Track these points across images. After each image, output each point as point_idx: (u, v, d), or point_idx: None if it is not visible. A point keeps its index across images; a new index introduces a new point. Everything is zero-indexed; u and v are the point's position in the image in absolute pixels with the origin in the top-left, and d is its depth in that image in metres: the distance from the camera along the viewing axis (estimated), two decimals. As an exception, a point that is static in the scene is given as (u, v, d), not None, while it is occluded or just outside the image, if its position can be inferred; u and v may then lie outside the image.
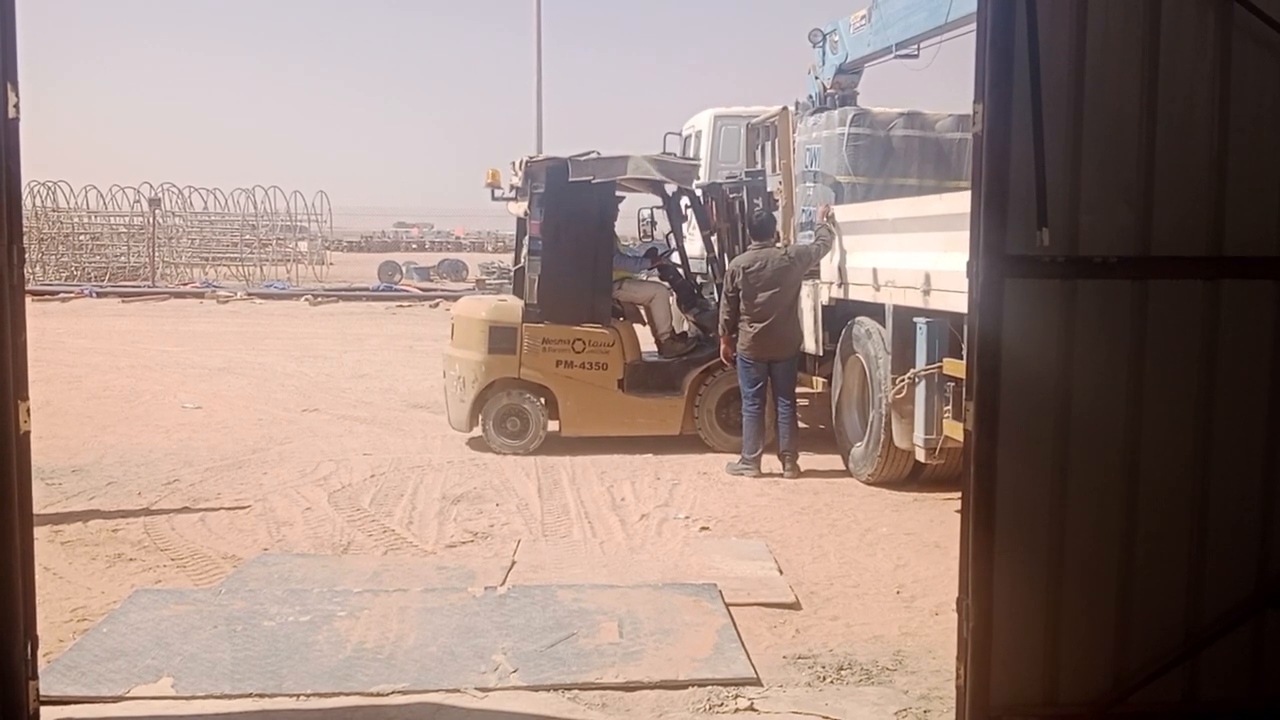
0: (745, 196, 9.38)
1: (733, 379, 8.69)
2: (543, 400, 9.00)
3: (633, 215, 11.53)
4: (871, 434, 7.86)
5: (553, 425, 9.11)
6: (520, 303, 9.19)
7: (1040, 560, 3.62)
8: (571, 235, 8.98)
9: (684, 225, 10.08)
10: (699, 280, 9.99)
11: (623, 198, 9.72)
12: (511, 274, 10.83)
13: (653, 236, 12.22)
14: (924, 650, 4.74)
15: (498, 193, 9.84)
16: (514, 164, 9.71)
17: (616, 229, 9.53)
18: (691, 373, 9.15)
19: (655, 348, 9.64)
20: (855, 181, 9.57)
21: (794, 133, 9.90)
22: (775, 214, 9.25)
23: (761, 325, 8.23)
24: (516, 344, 8.96)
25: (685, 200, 9.84)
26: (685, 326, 9.77)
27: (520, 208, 9.49)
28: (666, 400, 9.13)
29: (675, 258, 9.93)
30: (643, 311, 9.75)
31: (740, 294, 8.26)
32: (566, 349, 8.97)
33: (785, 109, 9.83)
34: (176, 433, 9.85)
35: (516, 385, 9.00)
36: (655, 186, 9.72)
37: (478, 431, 9.15)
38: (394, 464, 8.56)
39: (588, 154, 9.05)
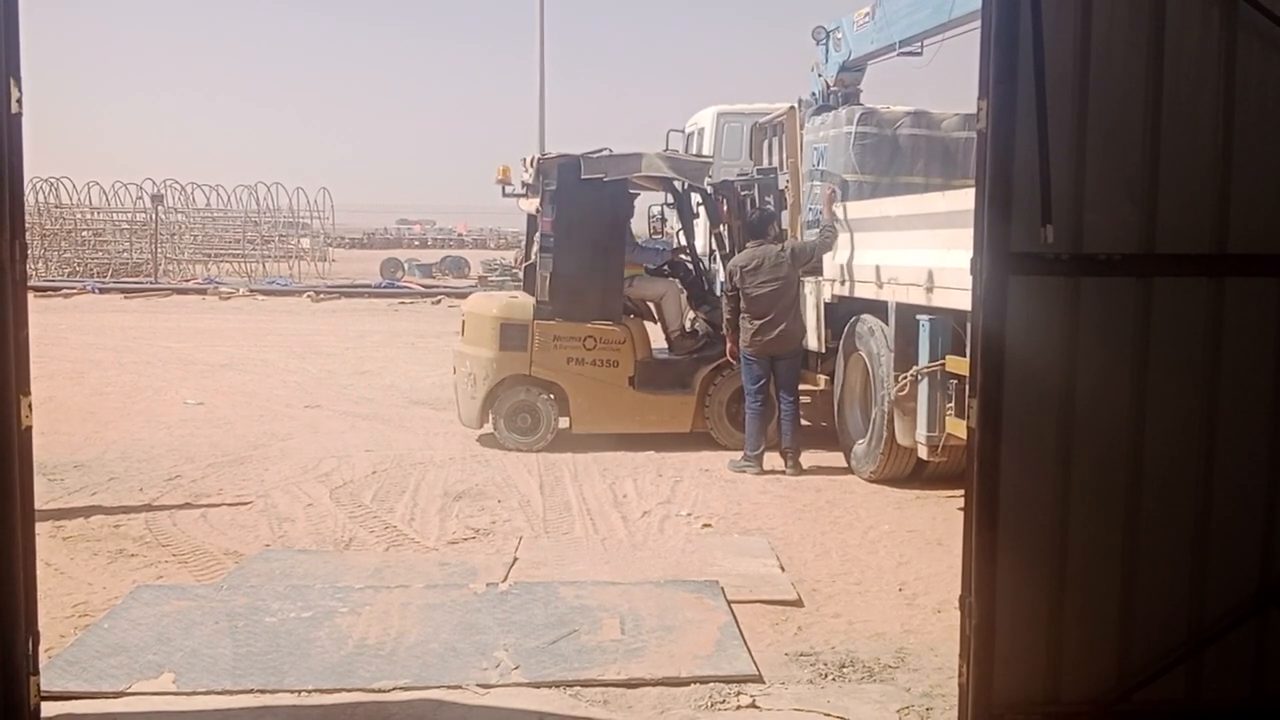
0: (756, 194, 9.38)
1: None
2: (553, 397, 9.01)
3: (642, 212, 11.52)
4: (874, 431, 7.85)
5: (563, 422, 9.11)
6: (531, 300, 9.18)
7: (1043, 558, 3.61)
8: (583, 233, 8.99)
9: (694, 222, 10.06)
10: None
11: (636, 194, 9.73)
12: (516, 271, 10.84)
13: (662, 234, 12.21)
14: (926, 648, 4.73)
15: (508, 189, 9.84)
16: (525, 161, 9.70)
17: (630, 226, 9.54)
18: (702, 370, 9.15)
19: (666, 345, 9.65)
20: (862, 180, 9.56)
21: (801, 129, 9.89)
22: (783, 212, 9.24)
23: (761, 322, 8.24)
24: (528, 341, 8.96)
25: (697, 198, 9.83)
26: (696, 324, 9.77)
27: (531, 204, 9.49)
28: (677, 397, 9.14)
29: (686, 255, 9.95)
30: (654, 309, 9.76)
31: (740, 292, 8.29)
32: (578, 346, 8.98)
33: (792, 107, 9.82)
34: (178, 429, 9.85)
35: (527, 382, 9.00)
36: (667, 184, 9.71)
37: (486, 429, 9.15)
38: (396, 460, 8.56)
39: (600, 151, 9.05)
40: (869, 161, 9.58)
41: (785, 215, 9.27)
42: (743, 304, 8.30)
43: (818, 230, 8.86)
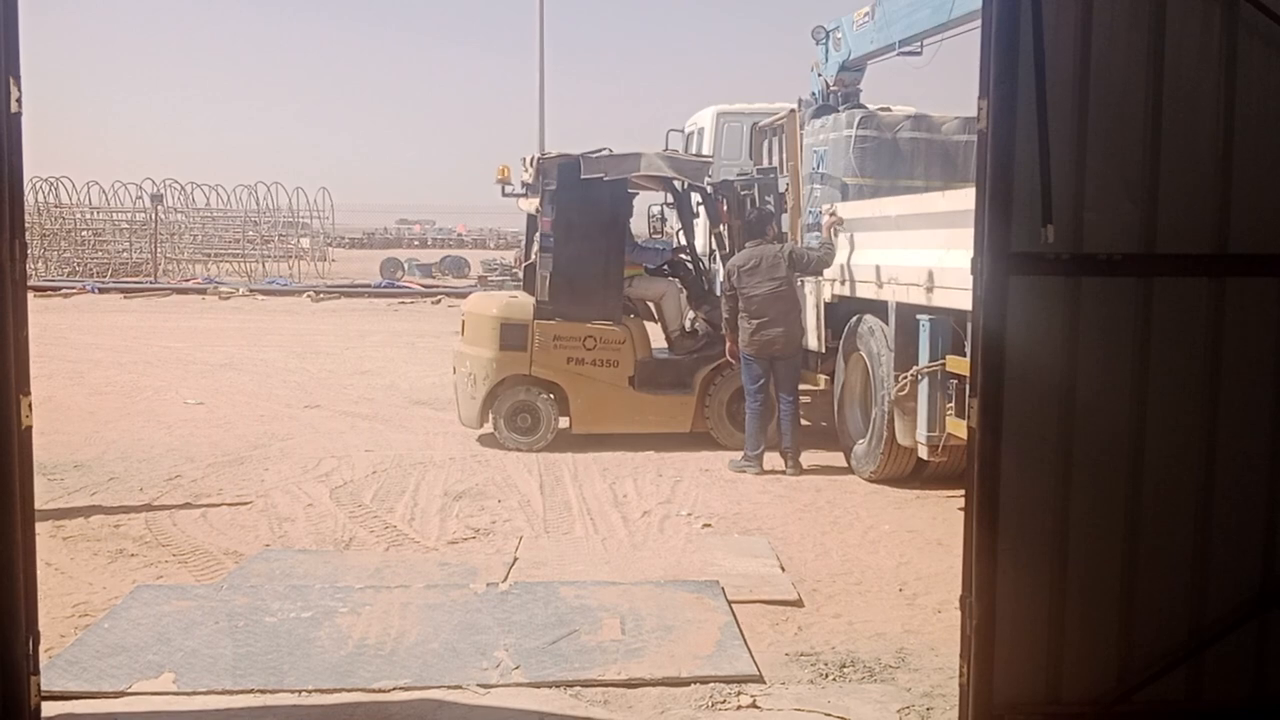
0: (756, 194, 9.38)
1: None
2: (553, 397, 9.01)
3: (642, 212, 11.52)
4: (874, 431, 7.85)
5: (563, 422, 9.11)
6: (531, 300, 9.18)
7: (1044, 558, 3.61)
8: (583, 232, 8.98)
9: (694, 222, 10.06)
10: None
11: (635, 193, 9.72)
12: (516, 270, 10.84)
13: (662, 233, 12.22)
14: (927, 648, 4.73)
15: (508, 189, 9.84)
16: (525, 160, 9.70)
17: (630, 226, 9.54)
18: (702, 370, 9.15)
19: (666, 345, 9.65)
20: (862, 183, 9.56)
21: (801, 129, 9.89)
22: (783, 215, 9.23)
23: (759, 322, 8.24)
24: (528, 341, 8.96)
25: (696, 197, 9.83)
26: (696, 324, 9.77)
27: (531, 204, 9.49)
28: (677, 397, 9.14)
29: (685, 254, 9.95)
30: (654, 308, 9.75)
31: (738, 292, 8.29)
32: (578, 346, 8.98)
33: (793, 111, 9.81)
34: (178, 429, 9.85)
35: (527, 382, 9.00)
36: (667, 183, 9.71)
37: (486, 429, 9.15)
38: (396, 460, 8.56)
39: (600, 151, 9.05)
40: (869, 165, 9.58)
41: (785, 219, 9.27)
42: (741, 304, 8.30)
43: (817, 239, 8.86)
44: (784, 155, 9.77)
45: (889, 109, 10.65)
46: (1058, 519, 3.61)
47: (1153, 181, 3.53)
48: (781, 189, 9.44)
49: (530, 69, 25.09)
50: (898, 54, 10.00)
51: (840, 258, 8.51)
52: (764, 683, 4.30)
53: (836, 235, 8.47)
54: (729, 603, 5.16)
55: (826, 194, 9.65)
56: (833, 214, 8.61)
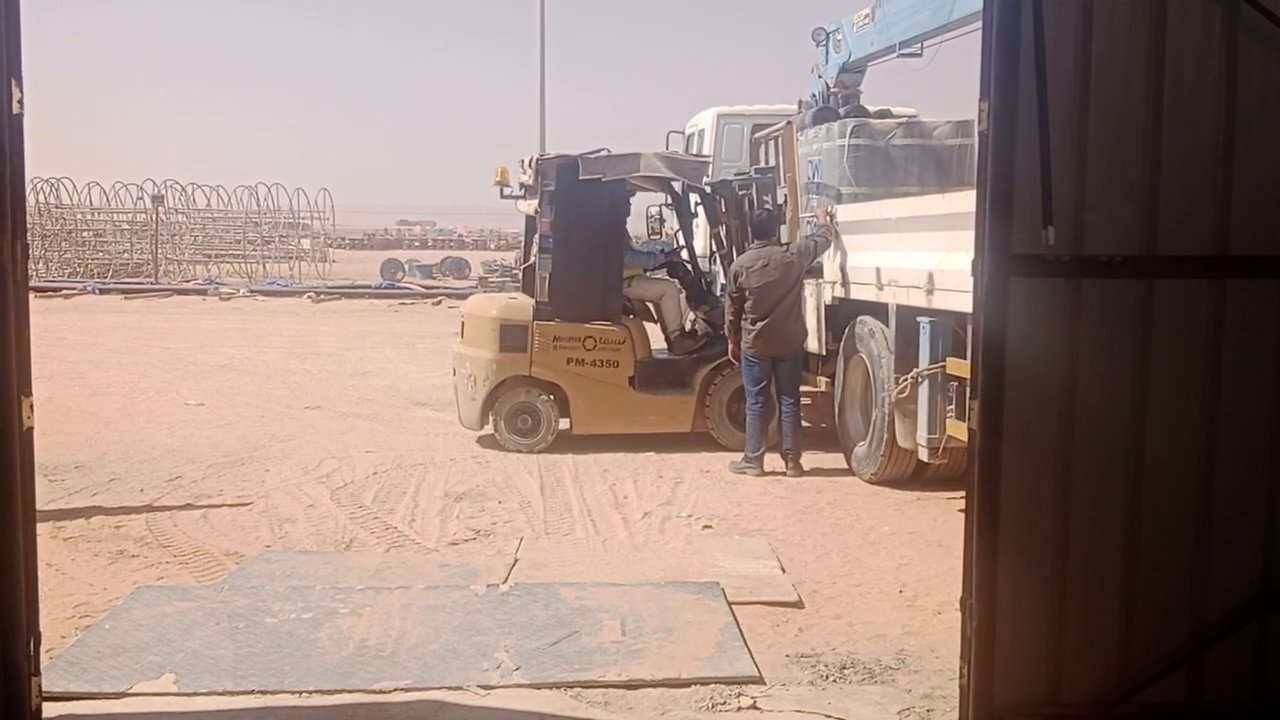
0: (755, 194, 9.38)
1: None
2: (553, 398, 9.01)
3: (640, 213, 11.53)
4: (874, 433, 7.85)
5: (563, 423, 9.11)
6: (531, 301, 9.19)
7: (1044, 559, 3.62)
8: (582, 233, 8.98)
9: (693, 223, 10.08)
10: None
11: (633, 193, 9.72)
12: (517, 272, 10.84)
13: (661, 234, 12.23)
14: (927, 649, 4.73)
15: (506, 190, 9.84)
16: (524, 161, 9.70)
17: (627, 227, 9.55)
18: (702, 370, 9.15)
19: (666, 345, 9.65)
20: (856, 192, 9.57)
21: (800, 132, 9.89)
22: (781, 226, 9.23)
23: (764, 323, 8.23)
24: (527, 342, 8.96)
25: (695, 197, 9.84)
26: (696, 324, 9.77)
27: (530, 205, 9.49)
28: (677, 398, 9.14)
29: (684, 255, 9.96)
30: (653, 309, 9.75)
31: (743, 293, 8.28)
32: (577, 347, 8.98)
33: (789, 122, 9.81)
34: (179, 429, 9.85)
35: (527, 383, 9.00)
36: (665, 184, 9.72)
37: (486, 430, 9.15)
38: (396, 461, 8.56)
39: (598, 151, 9.05)
40: (863, 173, 9.60)
41: (784, 230, 9.27)
42: (747, 305, 8.29)
43: (812, 226, 8.87)
44: (781, 165, 9.78)
45: (889, 111, 10.65)
46: (1058, 521, 3.61)
47: (1153, 183, 3.54)
48: (780, 200, 9.45)
49: (531, 69, 25.14)
50: (898, 56, 10.02)
51: (841, 260, 8.52)
52: (764, 684, 4.31)
53: (834, 224, 8.51)
54: (729, 604, 5.16)
55: (822, 204, 9.66)
56: (829, 213, 8.67)
